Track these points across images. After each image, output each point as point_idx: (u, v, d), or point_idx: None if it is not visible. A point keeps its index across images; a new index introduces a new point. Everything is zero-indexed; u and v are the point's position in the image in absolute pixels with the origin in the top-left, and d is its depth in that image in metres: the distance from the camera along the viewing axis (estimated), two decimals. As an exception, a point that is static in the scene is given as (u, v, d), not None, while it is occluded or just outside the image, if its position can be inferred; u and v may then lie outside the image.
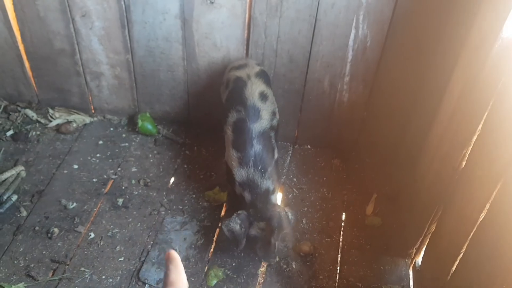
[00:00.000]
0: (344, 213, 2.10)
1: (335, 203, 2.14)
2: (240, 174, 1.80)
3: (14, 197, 2.06)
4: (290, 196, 2.16)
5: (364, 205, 2.12)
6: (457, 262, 1.46)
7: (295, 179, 2.24)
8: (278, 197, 2.11)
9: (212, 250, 1.93)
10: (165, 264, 0.68)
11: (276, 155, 1.89)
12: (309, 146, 2.40)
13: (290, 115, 2.27)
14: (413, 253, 1.88)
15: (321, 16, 1.89)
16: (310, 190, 2.20)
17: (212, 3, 1.92)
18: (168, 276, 0.66)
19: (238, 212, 1.77)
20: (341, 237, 2.01)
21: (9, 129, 2.36)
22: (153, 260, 1.88)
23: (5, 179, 2.12)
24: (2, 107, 2.45)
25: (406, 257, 1.92)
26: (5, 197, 2.04)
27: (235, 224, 1.74)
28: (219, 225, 2.02)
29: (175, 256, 0.67)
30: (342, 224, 2.06)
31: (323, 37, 1.95)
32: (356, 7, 1.84)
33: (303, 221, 2.06)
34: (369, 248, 1.96)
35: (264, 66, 2.07)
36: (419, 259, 1.86)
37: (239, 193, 1.84)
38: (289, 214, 1.79)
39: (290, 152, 2.37)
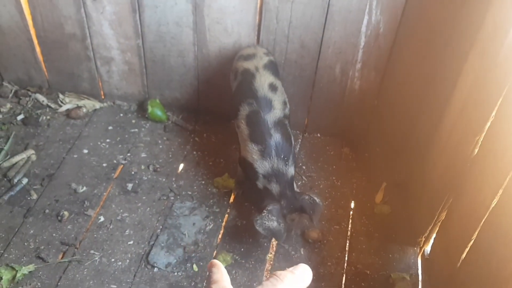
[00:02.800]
0: (353, 201, 2.10)
1: (344, 191, 2.14)
2: (263, 166, 1.78)
3: (25, 180, 2.07)
4: (299, 183, 2.16)
5: (374, 194, 2.11)
6: (467, 249, 1.45)
7: (304, 167, 2.24)
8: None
9: (220, 235, 1.94)
10: (207, 271, 0.71)
11: (293, 142, 1.89)
12: (319, 135, 2.39)
13: (301, 103, 2.26)
14: (422, 242, 1.87)
15: (334, 1, 1.87)
16: (319, 178, 2.19)
17: (223, -12, 1.92)
18: (211, 276, 0.68)
19: (269, 208, 1.73)
20: (350, 225, 2.00)
21: (19, 114, 2.37)
22: (162, 244, 1.89)
23: (16, 163, 2.14)
24: (13, 91, 2.46)
25: (415, 246, 1.91)
26: (15, 180, 2.06)
27: (271, 221, 1.70)
28: (228, 210, 2.02)
29: (217, 262, 0.71)
30: (351, 212, 2.06)
31: (335, 22, 1.93)
32: (369, -8, 1.83)
33: (312, 208, 2.06)
34: (378, 236, 1.96)
35: (275, 52, 2.06)
36: (428, 248, 1.86)
37: (263, 186, 1.81)
38: (316, 198, 1.77)
39: (300, 140, 2.36)
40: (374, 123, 2.27)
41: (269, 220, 1.70)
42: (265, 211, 1.72)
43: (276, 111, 1.83)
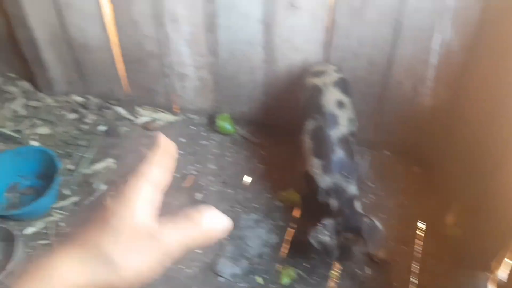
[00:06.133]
0: (422, 222, 2.04)
1: (413, 211, 2.09)
2: (324, 181, 1.78)
3: (104, 187, 2.23)
4: (366, 202, 2.14)
5: (444, 215, 2.04)
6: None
7: (371, 185, 2.21)
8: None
9: (285, 249, 1.96)
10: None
11: (358, 161, 1.88)
12: (387, 152, 2.36)
13: (368, 119, 2.25)
14: (494, 266, 1.79)
15: (404, 19, 1.86)
16: (387, 197, 2.16)
17: (294, 7, 1.96)
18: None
19: (324, 222, 1.71)
20: (419, 246, 1.95)
21: (101, 125, 2.56)
22: (228, 255, 1.95)
23: (97, 170, 2.31)
24: (97, 104, 2.66)
25: (486, 270, 1.82)
26: (96, 187, 2.22)
27: (324, 235, 1.69)
28: (292, 225, 2.05)
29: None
30: (420, 233, 2.00)
31: (406, 40, 1.91)
32: (441, 10, 1.79)
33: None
34: (447, 259, 1.89)
35: (344, 69, 2.07)
36: (499, 272, 1.77)
37: (323, 201, 1.81)
38: (376, 223, 1.72)
39: (368, 157, 2.34)
40: (446, 141, 2.20)
41: (323, 234, 1.68)
42: (320, 225, 1.70)
43: (341, 127, 1.84)
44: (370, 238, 1.70)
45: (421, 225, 2.03)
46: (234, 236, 2.01)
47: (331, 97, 1.89)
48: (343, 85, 1.96)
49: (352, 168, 1.81)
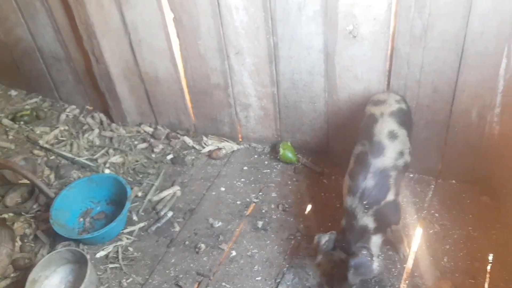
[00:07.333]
0: (491, 254, 1.94)
1: (482, 242, 1.99)
2: (345, 201, 1.81)
3: (170, 213, 2.32)
4: (431, 232, 2.07)
5: (517, 248, 1.93)
6: None
7: (437, 215, 2.14)
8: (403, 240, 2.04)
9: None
10: None
11: (390, 197, 1.80)
12: (454, 181, 2.27)
13: (434, 148, 2.19)
14: None
15: (468, 46, 1.82)
16: (453, 227, 2.07)
17: (354, 37, 1.99)
18: None
19: (333, 231, 1.80)
20: (488, 280, 1.85)
21: (169, 154, 2.68)
22: (288, 283, 1.95)
23: (164, 197, 2.41)
24: (165, 134, 2.80)
25: None
26: (162, 213, 2.32)
27: (323, 239, 1.77)
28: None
29: None
30: (489, 265, 1.90)
31: (470, 67, 1.87)
32: (507, 35, 1.74)
33: (445, 259, 1.95)
34: (522, 296, 1.78)
35: (406, 97, 2.05)
36: None
37: (342, 217, 1.84)
38: (375, 263, 1.71)
39: (433, 186, 2.27)
40: (518, 170, 2.09)
41: (323, 238, 1.77)
42: (330, 232, 1.78)
43: (385, 159, 1.80)
44: (355, 269, 1.68)
45: (490, 257, 1.92)
46: (294, 265, 2.01)
47: (384, 127, 1.86)
48: (401, 115, 1.93)
49: (376, 201, 1.76)
